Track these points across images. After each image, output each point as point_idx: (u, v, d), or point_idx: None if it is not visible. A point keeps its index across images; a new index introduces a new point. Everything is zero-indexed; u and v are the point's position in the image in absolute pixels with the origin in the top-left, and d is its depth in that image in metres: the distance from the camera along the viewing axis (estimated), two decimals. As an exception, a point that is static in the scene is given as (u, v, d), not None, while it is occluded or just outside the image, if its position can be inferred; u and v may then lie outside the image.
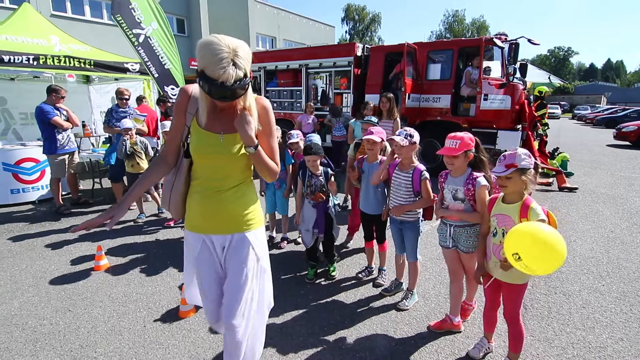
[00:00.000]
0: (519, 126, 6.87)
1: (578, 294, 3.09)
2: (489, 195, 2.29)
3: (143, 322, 2.67)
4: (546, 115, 9.34)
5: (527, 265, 1.66)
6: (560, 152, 8.44)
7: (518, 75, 7.40)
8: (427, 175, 2.73)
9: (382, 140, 3.03)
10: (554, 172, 6.97)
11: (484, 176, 2.36)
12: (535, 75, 17.17)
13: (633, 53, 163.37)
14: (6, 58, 5.48)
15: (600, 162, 9.70)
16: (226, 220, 1.59)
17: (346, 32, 52.55)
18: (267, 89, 10.23)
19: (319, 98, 9.40)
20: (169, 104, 6.11)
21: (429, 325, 2.61)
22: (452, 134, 2.40)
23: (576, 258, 3.80)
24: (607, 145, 13.95)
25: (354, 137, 4.81)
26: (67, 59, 6.14)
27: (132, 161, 4.82)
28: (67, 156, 5.12)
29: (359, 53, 8.36)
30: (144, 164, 4.84)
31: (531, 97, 7.81)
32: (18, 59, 5.61)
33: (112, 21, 5.95)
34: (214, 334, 2.51)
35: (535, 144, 7.53)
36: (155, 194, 5.03)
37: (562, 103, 43.07)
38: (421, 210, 2.83)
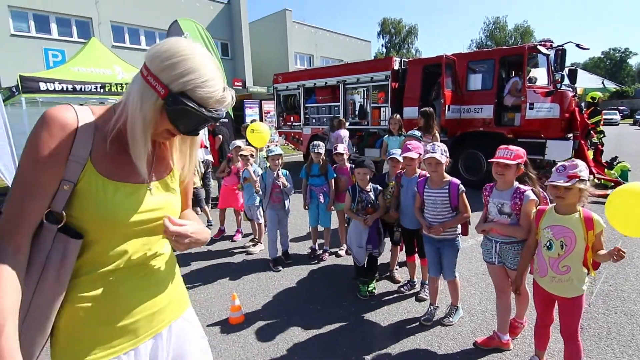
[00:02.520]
0: (570, 135, 6.51)
1: (642, 314, 2.87)
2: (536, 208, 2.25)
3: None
4: (601, 123, 8.78)
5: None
6: (620, 162, 7.84)
7: (567, 81, 7.06)
8: (463, 188, 2.72)
9: (420, 155, 3.06)
10: (612, 184, 6.49)
11: (532, 190, 2.33)
12: (587, 81, 16.09)
13: None
14: (78, 87, 6.21)
15: (667, 171, 8.86)
16: (169, 304, 1.07)
17: (382, 45, 52.72)
18: (306, 105, 10.55)
19: (356, 113, 9.54)
20: (217, 123, 6.54)
21: (475, 341, 2.56)
22: (504, 146, 2.40)
23: (639, 276, 3.52)
24: (676, 153, 12.69)
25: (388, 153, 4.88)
26: (128, 85, 6.81)
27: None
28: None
29: (396, 67, 8.43)
30: (195, 179, 5.21)
31: (582, 104, 7.37)
32: (87, 88, 6.33)
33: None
34: (263, 342, 2.64)
35: (590, 154, 7.08)
36: (206, 207, 5.37)
37: (621, 108, 39.81)
38: (459, 226, 2.80)
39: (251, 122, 6.44)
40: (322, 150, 4.13)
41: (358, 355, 2.48)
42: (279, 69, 19.59)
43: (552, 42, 6.94)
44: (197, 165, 5.29)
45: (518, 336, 2.60)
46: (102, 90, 6.43)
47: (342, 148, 4.17)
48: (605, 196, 6.56)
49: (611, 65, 72.62)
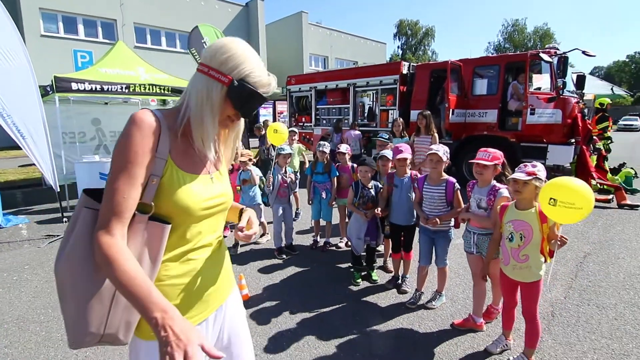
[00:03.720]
0: (572, 140, 6.67)
1: (613, 307, 3.11)
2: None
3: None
4: (609, 129, 8.82)
5: (560, 206, 1.90)
6: (627, 167, 7.91)
7: (572, 88, 7.21)
8: (458, 186, 3.02)
9: (410, 155, 3.39)
10: (613, 189, 6.61)
11: (507, 188, 2.62)
12: (598, 87, 15.94)
13: None
14: (106, 87, 6.71)
15: (677, 178, 8.83)
16: (226, 280, 1.21)
17: (398, 47, 52.67)
18: (318, 107, 10.92)
19: (365, 115, 9.84)
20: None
21: (452, 322, 2.86)
22: (484, 148, 2.71)
23: (620, 274, 3.73)
24: (692, 161, 12.49)
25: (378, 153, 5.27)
26: (150, 86, 7.31)
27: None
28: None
29: (404, 71, 8.70)
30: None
31: (586, 111, 7.49)
32: (113, 88, 6.83)
33: (185, 50, 7.02)
34: (265, 317, 3.01)
35: (593, 159, 7.21)
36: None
37: (644, 114, 38.73)
38: (453, 219, 3.10)
39: (264, 122, 6.84)
40: (327, 150, 4.47)
41: (348, 330, 2.82)
42: (294, 70, 20.02)
43: (557, 49, 7.10)
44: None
45: (492, 321, 2.89)
46: (126, 90, 6.92)
47: (344, 148, 4.50)
48: (607, 201, 6.73)
49: (636, 69, 70.33)
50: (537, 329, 2.33)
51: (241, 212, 1.31)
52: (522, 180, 2.18)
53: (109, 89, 6.76)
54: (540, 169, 2.21)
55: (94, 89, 6.53)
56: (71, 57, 11.28)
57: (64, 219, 5.24)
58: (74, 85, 6.31)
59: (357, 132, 8.57)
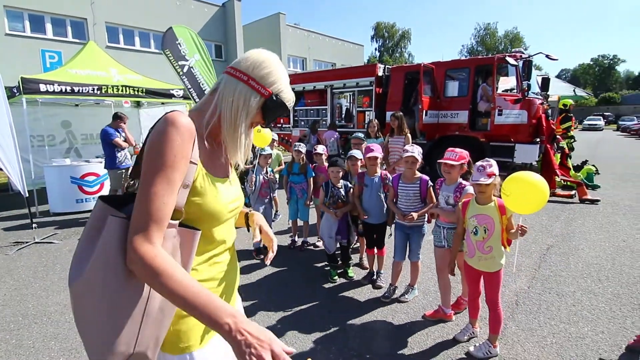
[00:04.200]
0: (538, 139, 7.03)
1: (572, 295, 3.33)
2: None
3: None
4: (572, 128, 9.31)
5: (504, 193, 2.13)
6: (588, 165, 8.39)
7: (537, 89, 7.60)
8: (432, 183, 3.16)
9: (381, 154, 3.53)
10: (576, 185, 7.00)
11: (472, 186, 2.78)
12: (561, 89, 16.84)
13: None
14: (76, 89, 6.53)
15: (633, 175, 9.40)
16: (236, 284, 1.21)
17: (376, 49, 53.45)
18: (296, 108, 10.97)
19: (343, 116, 9.99)
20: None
21: (424, 314, 3.00)
22: (451, 148, 2.85)
23: (579, 264, 3.99)
24: (648, 158, 13.34)
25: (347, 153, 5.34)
26: (123, 87, 7.15)
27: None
28: (124, 171, 5.99)
29: (380, 73, 8.90)
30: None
31: (549, 112, 7.91)
32: (84, 89, 6.65)
33: (159, 51, 6.94)
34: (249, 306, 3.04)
35: (557, 157, 7.61)
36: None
37: (607, 114, 40.98)
38: (426, 215, 3.24)
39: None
40: (303, 150, 4.55)
41: (325, 325, 2.89)
42: (271, 72, 19.97)
43: (523, 52, 7.46)
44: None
45: (462, 311, 3.04)
46: (98, 92, 6.75)
47: (321, 149, 4.59)
48: (570, 196, 7.11)
49: (600, 71, 74.20)
50: (499, 316, 2.49)
51: (247, 216, 1.32)
52: (484, 184, 2.34)
53: (80, 91, 6.59)
54: (494, 166, 2.38)
55: (63, 90, 6.35)
56: (39, 57, 10.87)
57: (34, 225, 5.08)
58: (43, 87, 6.12)
59: (335, 133, 8.68)
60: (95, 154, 8.02)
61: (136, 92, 7.31)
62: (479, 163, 2.41)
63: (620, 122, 33.18)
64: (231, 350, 0.80)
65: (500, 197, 2.39)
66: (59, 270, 4.06)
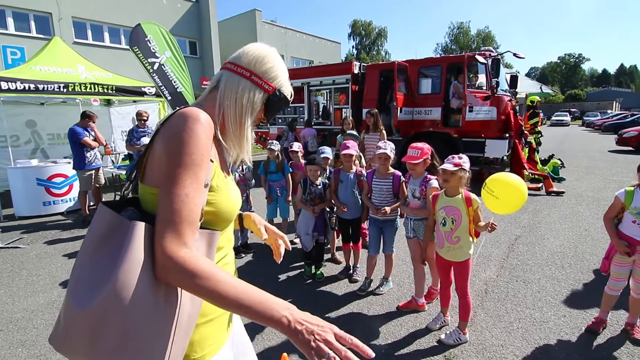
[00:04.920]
0: (507, 135, 7.30)
1: (537, 282, 3.50)
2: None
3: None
4: (539, 124, 9.72)
5: (489, 191, 2.25)
6: (554, 159, 8.80)
7: (505, 87, 7.88)
8: (404, 179, 3.24)
9: (357, 152, 3.58)
10: (542, 178, 7.33)
11: (437, 179, 2.88)
12: (529, 86, 17.59)
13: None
14: (40, 87, 6.25)
15: (596, 167, 9.95)
16: None
17: (353, 47, 53.75)
18: (273, 105, 10.91)
19: (320, 113, 10.02)
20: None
21: (398, 305, 3.08)
22: (414, 144, 2.93)
23: (544, 253, 4.19)
24: (609, 151, 14.09)
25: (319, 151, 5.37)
26: (92, 85, 6.90)
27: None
28: (93, 171, 5.80)
29: (355, 71, 8.98)
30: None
31: (517, 108, 8.23)
32: (50, 87, 6.37)
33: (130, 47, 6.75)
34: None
35: (525, 152, 7.93)
36: None
37: (573, 110, 42.90)
38: (399, 210, 3.31)
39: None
40: (276, 147, 4.53)
41: (301, 321, 2.92)
42: (248, 69, 19.72)
43: (492, 51, 7.72)
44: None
45: (433, 301, 3.14)
46: (65, 90, 6.48)
47: (296, 146, 4.60)
48: (537, 189, 7.43)
49: (566, 69, 77.56)
50: (468, 304, 2.59)
51: (240, 217, 1.30)
52: (449, 170, 2.42)
53: (45, 89, 6.31)
54: (465, 161, 2.46)
55: (27, 88, 6.07)
56: (0, 53, 10.32)
57: (-2, 229, 4.85)
58: (4, 85, 5.82)
59: (314, 131, 8.74)
60: (63, 154, 7.71)
61: (105, 90, 7.07)
62: (451, 155, 2.51)
63: (585, 118, 34.90)
64: (238, 356, 0.78)
65: (469, 190, 2.49)
66: (26, 276, 3.90)
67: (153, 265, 0.77)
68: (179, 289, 0.80)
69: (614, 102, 46.42)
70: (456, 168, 2.41)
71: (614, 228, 2.60)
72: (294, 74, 10.58)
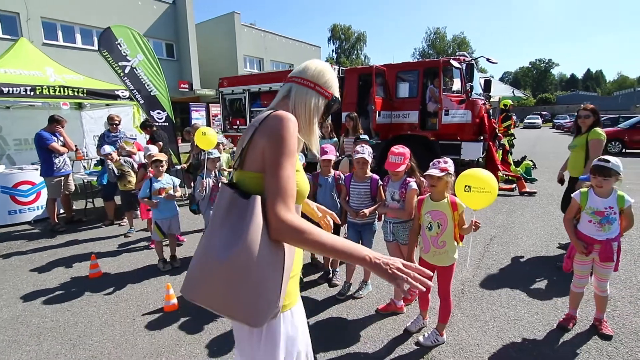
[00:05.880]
0: (481, 137, 7.50)
1: (511, 281, 3.59)
2: (418, 196, 2.82)
3: (133, 316, 3.10)
4: (512, 127, 10.05)
5: (473, 191, 2.26)
6: (527, 160, 9.11)
7: (479, 90, 8.10)
8: (382, 182, 3.25)
9: (335, 156, 3.59)
10: (516, 179, 7.56)
11: (416, 181, 2.91)
12: (502, 90, 18.25)
13: (611, 63, 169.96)
14: (5, 90, 5.95)
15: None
16: None
17: (333, 51, 54.14)
18: (252, 109, 10.81)
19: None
20: (154, 128, 6.60)
21: (377, 308, 3.08)
22: (395, 150, 2.94)
23: (518, 252, 4.31)
24: (578, 152, 14.70)
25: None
26: (61, 88, 6.62)
27: (123, 181, 5.30)
28: (62, 178, 5.56)
29: (334, 74, 9.00)
30: (135, 180, 5.33)
31: (490, 111, 8.48)
32: (16, 90, 6.08)
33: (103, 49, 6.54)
34: (195, 325, 2.95)
35: (499, 154, 8.17)
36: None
37: (544, 113, 44.67)
38: (376, 213, 3.32)
39: (192, 126, 6.64)
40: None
41: (279, 328, 2.88)
42: (228, 72, 19.53)
43: (466, 56, 7.94)
44: (132, 167, 5.41)
45: (411, 303, 3.17)
46: (32, 93, 6.20)
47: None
48: (511, 190, 7.62)
49: (537, 74, 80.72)
50: (449, 306, 2.62)
51: None
52: (437, 176, 2.45)
53: (10, 92, 6.00)
54: (450, 165, 2.51)
55: (-10, 91, 5.76)
56: (-40, 54, 9.77)
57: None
58: (-35, 87, 5.52)
59: None
60: (30, 160, 7.36)
61: (76, 93, 6.80)
62: (436, 159, 2.53)
63: (555, 121, 36.37)
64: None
65: (454, 195, 2.52)
66: (-13, 290, 3.69)
67: (266, 228, 1.03)
68: (285, 247, 1.08)
69: (582, 106, 48.56)
70: (443, 173, 2.44)
71: (573, 228, 2.71)
72: (273, 77, 10.53)
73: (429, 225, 2.58)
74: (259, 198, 1.05)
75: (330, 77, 1.29)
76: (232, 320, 1.14)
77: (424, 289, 1.00)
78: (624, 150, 14.06)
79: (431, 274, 1.04)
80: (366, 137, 5.24)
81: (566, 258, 2.78)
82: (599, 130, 3.90)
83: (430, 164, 2.57)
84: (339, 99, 1.32)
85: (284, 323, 1.18)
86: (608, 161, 2.48)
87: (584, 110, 4.10)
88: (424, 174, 2.68)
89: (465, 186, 2.29)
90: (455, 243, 2.57)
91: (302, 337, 1.29)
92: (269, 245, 1.04)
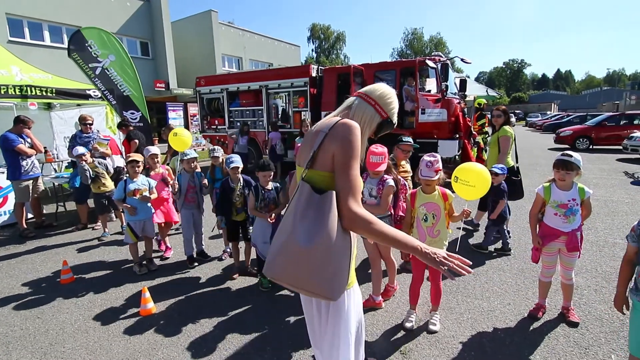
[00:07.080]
0: (457, 135, 7.69)
1: (485, 273, 3.72)
2: (393, 192, 2.90)
3: (107, 321, 3.02)
4: (486, 125, 10.34)
5: (464, 182, 2.48)
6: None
7: (455, 90, 8.30)
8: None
9: None
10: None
11: (393, 178, 2.97)
12: (476, 89, 18.84)
13: (579, 63, 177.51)
14: (-33, 89, 5.67)
15: (537, 164, 10.77)
16: None
17: (312, 50, 54.15)
18: (230, 109, 10.70)
19: (279, 116, 9.97)
20: (131, 128, 6.43)
21: (356, 305, 3.12)
22: (376, 150, 2.97)
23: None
24: (549, 149, 15.32)
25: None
26: (28, 88, 6.37)
27: (97, 183, 5.13)
28: (31, 181, 5.34)
29: (313, 74, 9.04)
30: (109, 183, 5.16)
31: (466, 110, 8.71)
32: (-21, 90, 5.81)
33: (73, 47, 6.30)
34: (172, 329, 2.90)
35: (474, 151, 8.41)
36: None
37: (517, 112, 46.19)
38: None
39: (167, 126, 6.49)
40: (219, 154, 4.40)
41: (260, 327, 2.88)
42: (206, 71, 19.20)
43: (441, 56, 8.11)
44: (106, 169, 5.25)
45: (390, 298, 3.23)
46: (-4, 93, 5.94)
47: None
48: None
49: (511, 73, 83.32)
50: (440, 290, 2.80)
51: None
52: (434, 179, 2.59)
53: (-28, 91, 5.73)
54: (439, 160, 2.66)
55: (-50, 91, 5.47)
56: None
57: None
58: None
59: (279, 134, 8.74)
60: (-3, 163, 7.03)
61: (44, 93, 6.56)
62: (426, 158, 2.62)
63: (527, 119, 37.71)
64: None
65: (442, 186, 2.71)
66: (-50, 300, 3.50)
67: (339, 219, 1.24)
68: (351, 235, 1.29)
69: (553, 104, 50.66)
70: (438, 175, 2.61)
71: (535, 223, 2.87)
72: (251, 76, 10.47)
73: (424, 217, 2.69)
74: (334, 193, 1.24)
75: (393, 101, 1.45)
76: (311, 295, 1.31)
77: (466, 274, 1.22)
78: (591, 147, 14.74)
79: (469, 262, 1.25)
80: (409, 139, 5.17)
81: (534, 250, 2.90)
82: (507, 128, 4.55)
83: (424, 164, 2.64)
84: (394, 123, 1.45)
85: (347, 298, 1.41)
86: (571, 155, 2.61)
87: (496, 111, 4.71)
88: (420, 177, 2.73)
89: (455, 177, 2.55)
90: (447, 230, 2.73)
91: (360, 309, 1.57)
92: (343, 234, 1.25)
